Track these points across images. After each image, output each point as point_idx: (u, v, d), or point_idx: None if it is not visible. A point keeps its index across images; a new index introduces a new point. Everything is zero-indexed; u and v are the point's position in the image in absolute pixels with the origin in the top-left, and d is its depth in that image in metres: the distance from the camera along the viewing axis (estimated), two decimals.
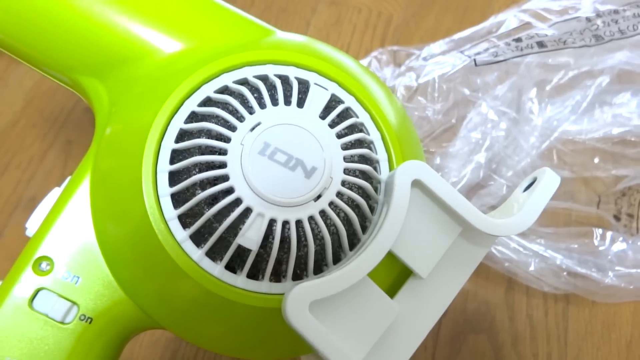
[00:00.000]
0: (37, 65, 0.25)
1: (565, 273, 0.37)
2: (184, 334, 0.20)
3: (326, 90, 0.21)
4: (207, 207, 0.18)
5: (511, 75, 0.37)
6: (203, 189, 0.18)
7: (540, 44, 0.36)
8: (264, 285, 0.19)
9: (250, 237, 0.18)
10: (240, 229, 0.18)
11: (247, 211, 0.18)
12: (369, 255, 0.18)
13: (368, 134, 0.21)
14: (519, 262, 0.38)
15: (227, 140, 0.19)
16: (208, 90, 0.20)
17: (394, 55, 0.48)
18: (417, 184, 0.19)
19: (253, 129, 0.19)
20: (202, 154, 0.18)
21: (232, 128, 0.19)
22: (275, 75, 0.20)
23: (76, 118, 0.53)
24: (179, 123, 0.19)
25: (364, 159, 0.20)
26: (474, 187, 0.38)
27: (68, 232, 0.18)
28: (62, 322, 0.18)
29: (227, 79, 0.20)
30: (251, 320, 0.19)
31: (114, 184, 0.19)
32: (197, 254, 0.18)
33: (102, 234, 0.18)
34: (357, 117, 0.21)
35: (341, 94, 0.21)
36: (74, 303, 0.18)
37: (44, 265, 0.18)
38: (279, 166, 0.18)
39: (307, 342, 0.17)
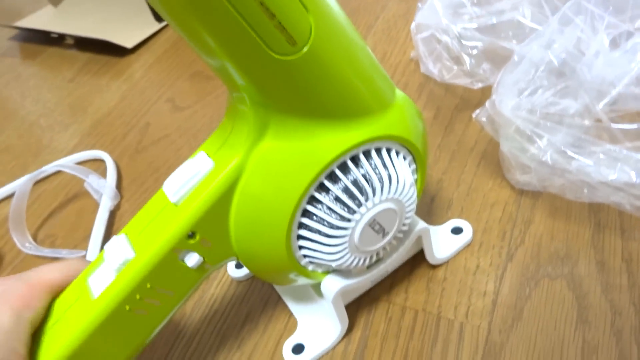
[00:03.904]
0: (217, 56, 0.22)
1: None
2: (253, 270, 0.28)
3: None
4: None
5: None
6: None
7: None
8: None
9: None
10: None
11: None
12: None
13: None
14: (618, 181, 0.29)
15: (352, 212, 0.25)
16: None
17: None
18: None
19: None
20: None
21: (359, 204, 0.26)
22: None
23: None
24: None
25: None
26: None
27: (214, 216, 0.25)
28: (191, 268, 0.25)
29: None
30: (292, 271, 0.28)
31: (264, 213, 0.25)
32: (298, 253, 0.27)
33: (239, 225, 0.25)
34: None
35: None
36: (202, 257, 0.25)
37: (191, 234, 0.24)
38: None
39: (332, 310, 0.30)
